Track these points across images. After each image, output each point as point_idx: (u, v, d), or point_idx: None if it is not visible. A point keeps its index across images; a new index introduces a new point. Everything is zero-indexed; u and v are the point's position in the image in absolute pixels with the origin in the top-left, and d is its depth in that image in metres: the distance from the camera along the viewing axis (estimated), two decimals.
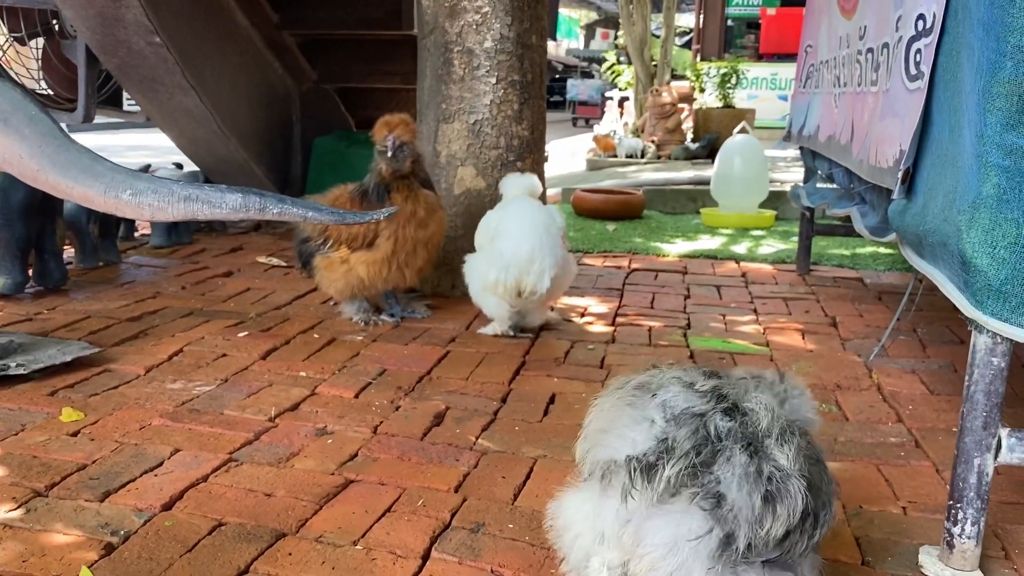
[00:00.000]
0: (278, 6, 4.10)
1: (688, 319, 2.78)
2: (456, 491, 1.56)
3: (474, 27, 2.83)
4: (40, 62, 3.76)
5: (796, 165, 6.76)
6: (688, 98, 9.90)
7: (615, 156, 8.67)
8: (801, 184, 3.40)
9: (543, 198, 2.88)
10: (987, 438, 1.25)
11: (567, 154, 10.23)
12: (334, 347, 2.41)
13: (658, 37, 11.06)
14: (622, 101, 11.45)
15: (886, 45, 1.95)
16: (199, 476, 1.58)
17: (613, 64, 13.71)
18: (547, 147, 3.53)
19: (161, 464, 1.63)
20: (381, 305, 2.73)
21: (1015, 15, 1.11)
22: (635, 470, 0.95)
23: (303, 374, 2.17)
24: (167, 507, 1.47)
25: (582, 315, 2.82)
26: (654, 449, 0.97)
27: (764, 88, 11.61)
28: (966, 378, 1.26)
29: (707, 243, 4.23)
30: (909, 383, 2.17)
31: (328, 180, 2.89)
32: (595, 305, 2.96)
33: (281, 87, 4.26)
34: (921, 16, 1.60)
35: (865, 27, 2.23)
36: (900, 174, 1.60)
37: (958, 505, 1.28)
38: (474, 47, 2.84)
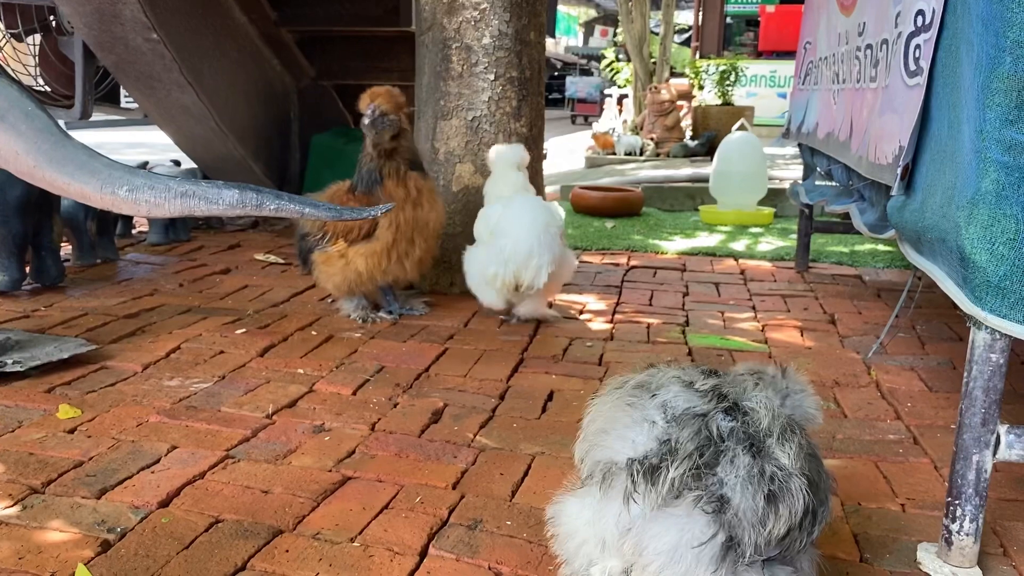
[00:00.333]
0: (276, 3, 4.09)
1: (687, 316, 2.78)
2: (454, 488, 1.56)
3: (472, 23, 2.83)
4: (37, 58, 3.75)
5: (795, 162, 6.77)
6: (687, 95, 9.89)
7: (614, 153, 8.67)
8: (800, 181, 3.40)
9: (541, 196, 2.88)
10: (986, 435, 1.25)
11: (566, 151, 10.22)
12: (332, 344, 2.40)
13: (657, 34, 11.03)
14: (621, 99, 11.44)
15: (885, 41, 1.95)
16: (196, 473, 1.58)
17: (612, 61, 13.70)
18: (546, 144, 3.53)
19: (158, 461, 1.63)
20: (379, 302, 2.73)
21: (1014, 10, 1.11)
22: (637, 472, 0.94)
23: (301, 371, 2.16)
24: (164, 504, 1.47)
25: (581, 312, 2.82)
26: (656, 451, 0.95)
27: (763, 85, 11.61)
28: (965, 374, 1.26)
29: (706, 240, 4.22)
30: (908, 380, 2.17)
31: (326, 177, 2.88)
32: (593, 302, 2.96)
33: (279, 84, 4.25)
34: (920, 12, 1.60)
35: (864, 23, 2.22)
36: (899, 170, 1.59)
37: (956, 502, 1.28)
38: (472, 44, 2.84)
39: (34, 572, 1.25)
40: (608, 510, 0.98)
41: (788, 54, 9.78)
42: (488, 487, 1.56)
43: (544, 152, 3.33)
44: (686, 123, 9.22)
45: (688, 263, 3.67)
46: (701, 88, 9.89)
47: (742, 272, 3.51)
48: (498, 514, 1.46)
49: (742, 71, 9.11)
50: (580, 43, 31.31)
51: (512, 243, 2.45)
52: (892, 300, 2.98)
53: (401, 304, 2.73)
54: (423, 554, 1.34)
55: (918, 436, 1.82)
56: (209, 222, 4.14)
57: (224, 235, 4.01)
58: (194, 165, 4.18)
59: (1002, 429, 1.25)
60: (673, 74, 11.26)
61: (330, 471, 1.61)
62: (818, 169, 2.96)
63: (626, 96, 11.37)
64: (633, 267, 3.56)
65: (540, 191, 3.01)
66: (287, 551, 1.33)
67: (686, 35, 17.21)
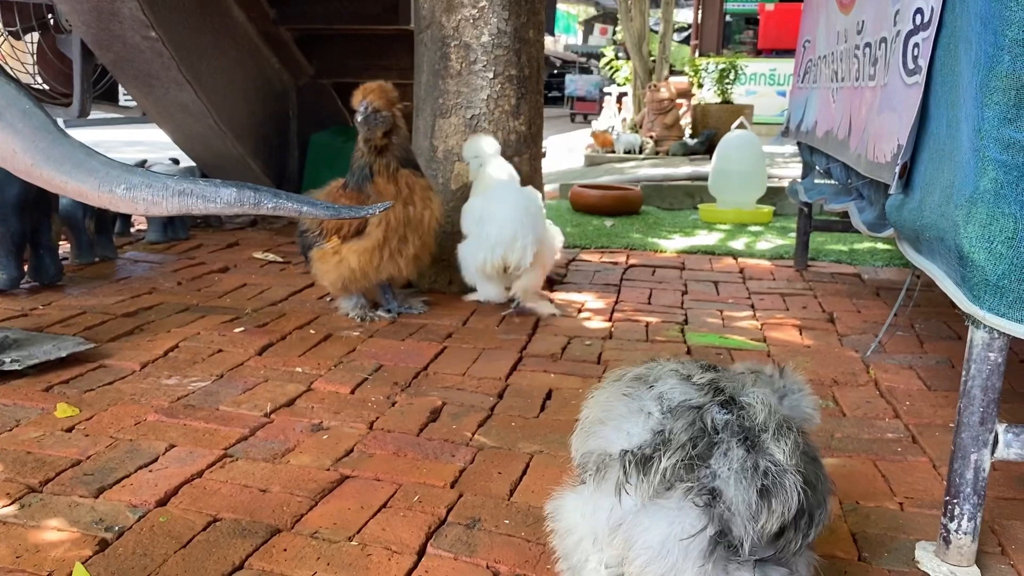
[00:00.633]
0: (275, 1, 4.09)
1: (685, 315, 2.78)
2: (452, 487, 1.56)
3: (471, 22, 2.82)
4: (35, 57, 3.75)
5: (794, 161, 6.76)
6: (686, 94, 9.89)
7: (613, 152, 8.66)
8: (799, 180, 3.39)
9: (541, 194, 2.89)
10: (984, 434, 1.25)
11: (565, 150, 10.22)
12: (330, 343, 2.40)
13: (656, 33, 11.04)
14: (620, 97, 11.43)
15: (884, 39, 1.94)
16: (194, 472, 1.58)
17: (611, 60, 13.70)
18: (545, 142, 3.52)
19: (156, 460, 1.63)
20: (378, 301, 2.73)
21: (1013, 9, 1.11)
22: (629, 463, 0.94)
23: (299, 370, 2.16)
24: (162, 503, 1.47)
25: (579, 311, 2.82)
26: (650, 442, 0.95)
27: (762, 84, 11.61)
28: (963, 373, 1.26)
29: (705, 239, 4.22)
30: (906, 379, 2.17)
31: (325, 175, 2.88)
32: (592, 301, 2.95)
33: (278, 82, 4.25)
34: (919, 10, 1.60)
35: (863, 22, 2.22)
36: (898, 169, 1.59)
37: (955, 501, 1.28)
38: (471, 42, 2.83)
39: (32, 571, 1.25)
40: (601, 503, 0.98)
41: (787, 52, 9.77)
42: (486, 486, 1.56)
43: (543, 150, 3.33)
44: (685, 121, 9.22)
45: (687, 261, 3.67)
46: (700, 86, 9.89)
47: (741, 270, 3.51)
48: (496, 513, 1.46)
49: (741, 69, 9.11)
50: (579, 41, 31.30)
51: (497, 228, 2.60)
52: (891, 299, 2.98)
53: (400, 303, 2.73)
54: (421, 553, 1.34)
55: (916, 435, 1.82)
56: (208, 220, 4.14)
57: (223, 233, 4.01)
58: (192, 163, 4.17)
59: (1000, 428, 1.25)
60: (672, 72, 11.26)
61: (328, 470, 1.61)
62: (817, 167, 2.96)
63: (625, 94, 11.37)
64: (632, 265, 3.56)
65: (539, 189, 3.01)
66: (285, 550, 1.33)
67: (685, 33, 17.21)
